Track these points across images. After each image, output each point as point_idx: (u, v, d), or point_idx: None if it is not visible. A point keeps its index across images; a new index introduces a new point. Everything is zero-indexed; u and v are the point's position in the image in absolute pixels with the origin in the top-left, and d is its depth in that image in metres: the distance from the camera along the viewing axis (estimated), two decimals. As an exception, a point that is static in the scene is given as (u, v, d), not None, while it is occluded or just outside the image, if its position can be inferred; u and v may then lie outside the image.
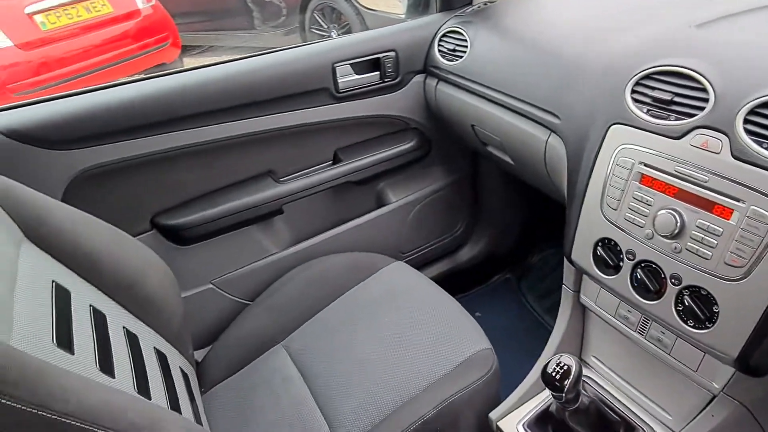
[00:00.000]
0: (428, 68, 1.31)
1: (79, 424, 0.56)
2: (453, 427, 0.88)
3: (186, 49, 5.49)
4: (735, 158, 0.67)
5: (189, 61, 5.28)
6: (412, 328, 1.03)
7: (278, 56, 1.22)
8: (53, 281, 0.78)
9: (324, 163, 1.35)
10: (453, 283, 1.43)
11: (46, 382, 0.56)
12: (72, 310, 0.77)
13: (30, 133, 1.01)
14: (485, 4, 1.27)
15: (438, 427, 0.87)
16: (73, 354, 0.70)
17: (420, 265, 1.48)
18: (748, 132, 0.66)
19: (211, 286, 1.28)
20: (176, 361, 0.96)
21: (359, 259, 1.26)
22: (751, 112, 0.67)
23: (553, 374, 0.75)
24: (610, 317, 0.89)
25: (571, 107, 0.92)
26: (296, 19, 5.05)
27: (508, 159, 1.17)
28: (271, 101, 1.20)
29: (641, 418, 0.88)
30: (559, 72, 0.97)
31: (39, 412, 0.53)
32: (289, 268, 1.29)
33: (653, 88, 0.79)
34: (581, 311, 0.99)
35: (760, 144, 0.65)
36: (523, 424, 0.89)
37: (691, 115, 0.73)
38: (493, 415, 0.92)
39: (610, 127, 0.83)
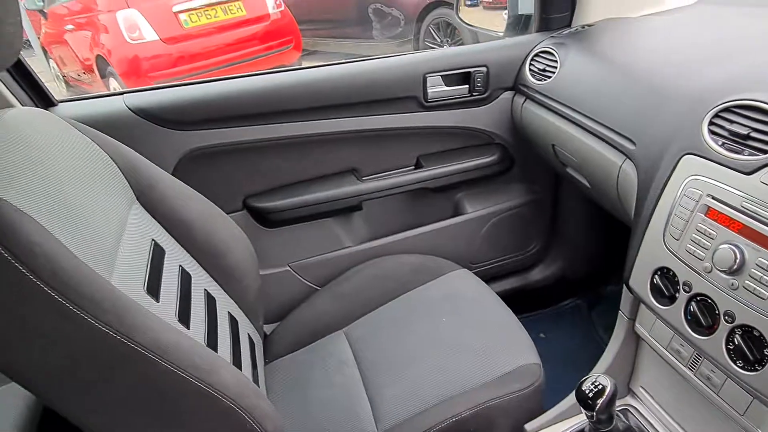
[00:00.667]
0: (518, 86, 1.33)
1: (150, 356, 0.66)
2: (487, 431, 0.90)
3: (306, 53, 5.84)
4: (805, 200, 0.65)
5: (307, 64, 5.59)
6: (465, 333, 1.07)
7: (374, 63, 1.31)
8: (153, 239, 0.91)
9: (406, 168, 1.41)
10: (519, 301, 1.43)
11: (131, 316, 0.67)
12: (164, 266, 0.90)
13: (154, 113, 1.17)
14: (582, 27, 1.28)
15: (472, 429, 0.89)
16: (158, 302, 0.82)
17: (488, 278, 1.49)
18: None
19: (287, 268, 1.39)
20: (246, 329, 1.07)
21: (427, 261, 1.30)
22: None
23: (587, 392, 0.76)
24: (663, 349, 0.87)
25: (647, 134, 0.91)
26: (412, 30, 5.19)
27: (585, 182, 1.17)
28: (362, 104, 1.29)
29: None
30: (640, 98, 0.96)
31: (121, 339, 0.64)
32: (361, 262, 1.37)
33: (731, 122, 0.77)
34: (635, 340, 0.97)
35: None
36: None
37: (765, 152, 0.71)
38: (528, 426, 0.93)
39: (682, 156, 0.82)
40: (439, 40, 4.87)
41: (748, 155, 0.73)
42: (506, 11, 1.46)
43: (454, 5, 1.66)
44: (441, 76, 1.32)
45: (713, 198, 0.75)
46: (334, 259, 1.41)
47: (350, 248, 1.42)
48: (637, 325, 0.93)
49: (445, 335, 1.08)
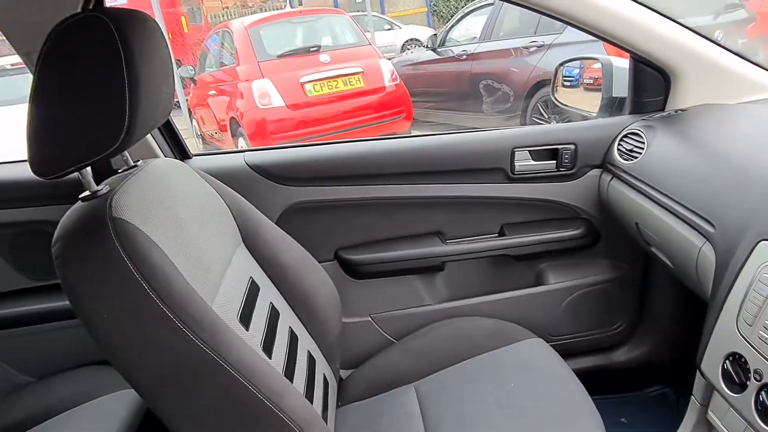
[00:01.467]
0: (606, 164, 1.37)
1: (234, 373, 0.77)
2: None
3: (417, 122, 6.14)
4: None
5: (417, 133, 5.87)
6: (530, 401, 1.08)
7: (467, 136, 1.41)
8: (251, 277, 1.05)
9: (490, 234, 1.47)
10: (600, 381, 1.39)
11: (223, 336, 0.79)
12: (257, 301, 1.03)
13: (267, 170, 1.35)
14: (675, 112, 1.30)
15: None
16: (248, 330, 0.94)
17: (567, 353, 1.47)
18: None
19: (369, 318, 1.48)
20: (322, 369, 1.16)
21: (503, 327, 1.33)
22: None
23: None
24: (735, 441, 0.83)
25: (727, 217, 0.91)
26: (520, 106, 5.31)
27: (668, 262, 1.16)
28: (453, 172, 1.39)
29: None
30: (723, 181, 0.96)
31: (213, 355, 0.76)
32: (439, 320, 1.42)
33: (810, 211, 0.76)
34: (707, 429, 0.92)
35: None
36: None
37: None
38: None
39: (759, 242, 0.81)
40: (546, 116, 4.93)
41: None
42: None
43: (551, 86, 1.74)
44: (529, 151, 1.38)
45: (787, 285, 0.74)
46: (413, 314, 1.47)
47: (430, 306, 1.49)
48: (709, 412, 0.90)
49: (511, 401, 1.09)
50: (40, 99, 0.72)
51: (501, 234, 1.47)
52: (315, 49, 5.45)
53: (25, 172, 1.02)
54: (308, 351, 1.12)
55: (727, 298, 0.84)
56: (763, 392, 0.74)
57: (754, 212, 0.85)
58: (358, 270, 1.45)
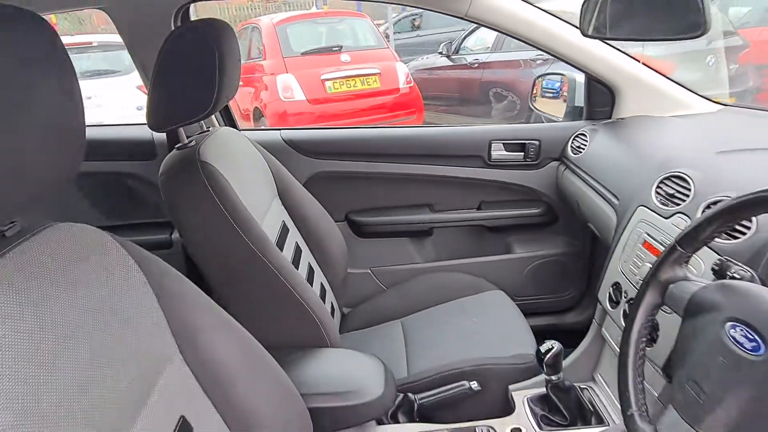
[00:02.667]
0: (562, 157, 1.74)
1: (273, 269, 1.18)
2: (482, 385, 1.27)
3: (427, 124, 6.50)
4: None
5: (426, 134, 6.21)
6: (487, 329, 1.45)
7: (455, 129, 1.79)
8: (283, 221, 1.43)
9: (470, 209, 1.85)
10: (552, 338, 1.75)
11: (264, 243, 1.17)
12: (286, 239, 1.40)
13: (297, 145, 1.74)
14: (617, 120, 1.66)
15: (470, 380, 1.27)
16: (282, 252, 1.32)
17: (526, 311, 1.82)
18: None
19: (369, 271, 1.86)
20: (330, 299, 1.53)
21: (475, 281, 1.70)
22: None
23: (542, 350, 1.12)
24: (615, 346, 1.20)
25: (625, 192, 1.28)
26: (525, 114, 5.67)
27: (597, 232, 1.53)
28: (442, 156, 1.77)
29: (610, 415, 1.15)
30: (630, 168, 1.33)
31: (260, 255, 1.14)
32: (429, 282, 1.79)
33: (668, 186, 1.13)
34: (601, 342, 1.29)
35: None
36: (527, 398, 1.24)
37: (678, 204, 1.06)
38: (511, 387, 1.28)
39: (638, 207, 1.18)
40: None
41: (670, 207, 1.08)
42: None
43: (530, 96, 2.11)
44: (503, 143, 1.76)
45: (648, 234, 1.11)
46: (405, 270, 1.85)
47: (419, 264, 1.86)
48: (602, 329, 1.27)
49: (471, 329, 1.46)
50: (161, 77, 1.10)
51: (479, 209, 1.84)
52: (337, 48, 5.83)
53: (112, 134, 1.49)
54: (321, 283, 1.49)
55: (615, 247, 1.21)
56: (626, 304, 1.11)
57: (641, 187, 1.22)
58: (363, 230, 1.83)
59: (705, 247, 0.89)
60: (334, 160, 1.77)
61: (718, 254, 0.89)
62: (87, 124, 0.62)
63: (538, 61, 5.49)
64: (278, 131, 1.78)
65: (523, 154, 1.77)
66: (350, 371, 1.13)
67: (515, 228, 1.86)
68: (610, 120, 1.68)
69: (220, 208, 1.13)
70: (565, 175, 1.69)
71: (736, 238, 0.90)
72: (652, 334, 0.88)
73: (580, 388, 1.24)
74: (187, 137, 1.26)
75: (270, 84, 5.50)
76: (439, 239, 1.88)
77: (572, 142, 1.69)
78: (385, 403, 1.07)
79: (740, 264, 0.81)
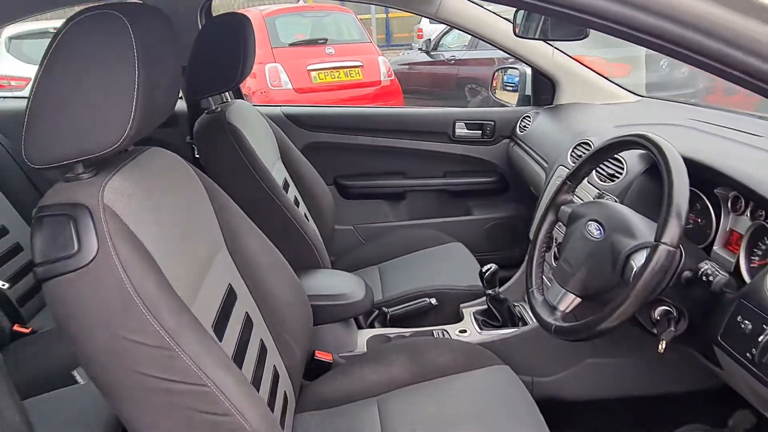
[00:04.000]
0: (512, 135, 2.13)
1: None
2: (440, 302, 1.64)
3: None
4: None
5: (404, 125, 6.55)
6: (445, 267, 1.82)
7: (426, 110, 2.18)
8: (285, 178, 1.78)
9: (437, 177, 2.23)
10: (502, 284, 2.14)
11: (276, 195, 1.53)
12: (288, 191, 1.76)
13: (295, 118, 2.11)
14: (556, 105, 2.06)
15: (430, 297, 1.64)
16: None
17: (482, 263, 2.20)
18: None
19: (352, 227, 2.23)
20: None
21: (439, 235, 2.07)
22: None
23: (484, 270, 1.50)
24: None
25: (552, 156, 1.67)
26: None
27: (535, 192, 1.92)
28: (414, 132, 2.16)
29: (531, 320, 1.54)
30: (560, 140, 1.72)
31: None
32: (401, 236, 2.16)
33: (579, 150, 1.52)
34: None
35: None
36: (472, 311, 1.62)
37: (576, 162, 1.45)
38: (462, 305, 1.66)
39: (558, 167, 1.57)
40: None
41: (578, 164, 1.47)
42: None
43: (490, 87, 2.50)
44: (465, 123, 2.15)
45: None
46: (382, 227, 2.23)
47: (393, 222, 2.24)
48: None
49: (435, 268, 1.82)
50: (196, 59, 1.45)
51: (444, 177, 2.23)
52: (322, 41, 6.16)
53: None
54: (314, 230, 1.79)
55: (542, 196, 1.60)
56: (556, 248, 1.50)
57: (562, 152, 1.61)
58: (348, 192, 2.20)
59: (590, 186, 1.28)
60: (325, 132, 2.13)
61: (598, 189, 1.28)
62: None
63: (510, 60, 5.89)
64: (279, 107, 2.14)
65: (481, 132, 2.16)
66: (340, 282, 1.49)
67: (474, 194, 2.25)
68: (550, 105, 2.08)
69: (243, 159, 1.49)
70: (514, 150, 2.09)
71: (613, 180, 1.30)
72: (549, 243, 1.26)
73: (513, 304, 1.63)
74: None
75: (258, 72, 5.80)
76: (410, 202, 2.26)
77: (520, 123, 2.09)
78: (365, 304, 1.44)
79: (610, 194, 1.21)
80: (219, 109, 1.57)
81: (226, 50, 1.46)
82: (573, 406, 1.50)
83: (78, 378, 0.78)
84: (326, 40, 6.22)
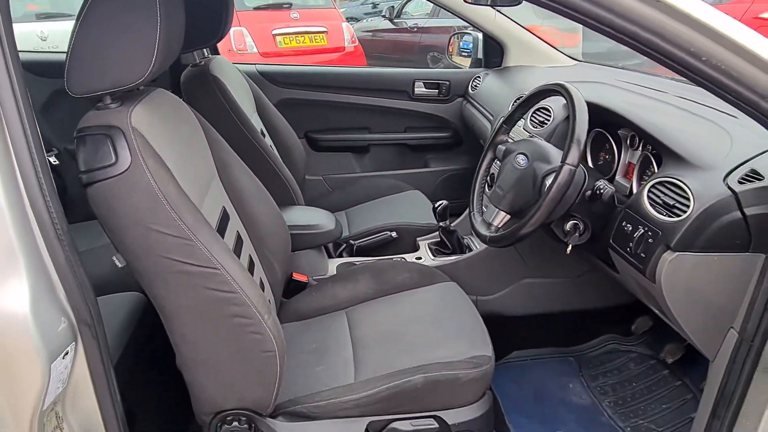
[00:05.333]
0: (465, 95, 2.38)
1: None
2: (399, 235, 1.90)
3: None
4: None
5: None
6: (404, 210, 2.07)
7: (389, 70, 2.40)
8: (261, 129, 1.98)
9: (398, 132, 2.47)
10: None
11: (255, 140, 1.74)
12: (264, 140, 1.96)
13: (268, 76, 2.29)
14: (504, 67, 2.31)
15: (391, 234, 1.89)
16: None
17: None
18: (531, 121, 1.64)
19: (321, 178, 2.45)
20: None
21: (399, 185, 2.29)
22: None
23: (435, 205, 1.76)
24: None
25: (498, 111, 1.93)
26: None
27: (483, 144, 2.18)
28: (378, 90, 2.38)
29: (477, 247, 1.82)
30: (505, 96, 1.97)
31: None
32: (366, 185, 2.38)
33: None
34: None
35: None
36: (427, 243, 1.89)
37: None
38: (418, 238, 1.92)
39: (501, 119, 1.82)
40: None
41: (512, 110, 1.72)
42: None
43: (446, 50, 2.73)
44: (423, 82, 2.38)
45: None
46: (348, 177, 2.46)
47: (359, 173, 2.48)
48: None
49: (395, 211, 2.07)
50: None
51: (404, 132, 2.47)
52: (287, 5, 6.23)
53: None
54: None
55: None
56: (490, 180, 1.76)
57: (505, 106, 1.86)
58: (318, 144, 2.42)
59: (525, 132, 1.54)
60: (297, 89, 2.33)
61: (530, 134, 1.55)
62: None
63: (470, 29, 6.11)
64: (254, 65, 2.32)
65: (437, 91, 2.40)
66: (313, 215, 1.73)
67: (431, 147, 2.50)
68: (499, 68, 2.32)
69: (226, 108, 1.68)
70: (467, 107, 2.34)
71: (543, 126, 1.56)
72: (488, 177, 1.52)
73: (462, 236, 1.90)
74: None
75: (223, 36, 5.85)
76: (374, 154, 2.50)
77: (472, 83, 2.33)
78: (335, 233, 1.68)
79: (540, 136, 1.47)
80: (202, 63, 1.75)
81: (208, 6, 1.62)
82: (510, 320, 1.79)
83: (116, 262, 0.98)
84: (291, 4, 6.28)
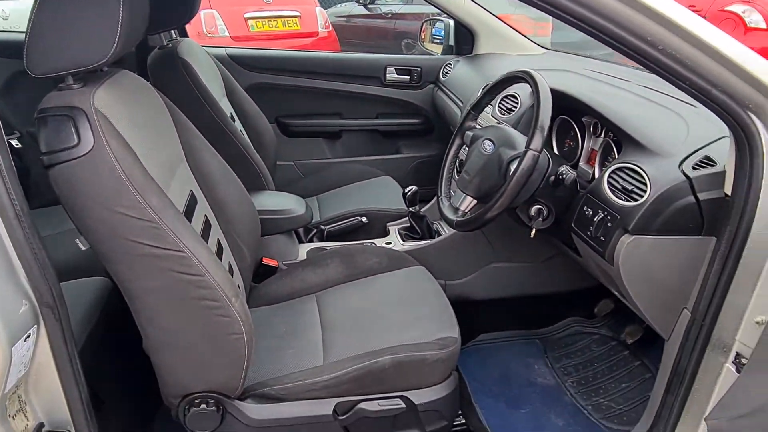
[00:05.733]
0: (436, 81, 2.39)
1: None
2: (370, 220, 1.91)
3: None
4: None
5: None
6: (375, 196, 2.08)
7: (361, 55, 2.40)
8: (230, 113, 1.96)
9: (370, 118, 2.47)
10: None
11: (223, 123, 1.72)
12: (234, 124, 1.94)
13: (238, 59, 2.26)
14: (474, 55, 2.32)
15: (362, 219, 1.90)
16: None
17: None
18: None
19: (292, 163, 2.44)
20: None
21: (371, 171, 2.31)
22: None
23: (405, 190, 1.78)
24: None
25: (467, 95, 1.94)
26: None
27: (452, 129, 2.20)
28: (350, 75, 2.37)
29: (446, 232, 1.85)
30: (471, 80, 1.99)
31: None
32: (337, 171, 2.38)
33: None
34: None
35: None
36: (397, 228, 1.90)
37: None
38: (389, 223, 1.94)
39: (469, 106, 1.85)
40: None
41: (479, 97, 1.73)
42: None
43: (418, 37, 2.73)
44: (395, 68, 2.38)
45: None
46: (320, 163, 2.45)
47: (330, 159, 2.47)
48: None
49: (367, 197, 2.08)
50: None
51: (376, 118, 2.47)
52: (259, -12, 6.12)
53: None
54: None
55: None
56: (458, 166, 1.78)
57: (475, 92, 1.88)
58: (289, 130, 2.41)
59: (493, 119, 1.56)
60: (268, 74, 2.31)
61: (498, 121, 1.57)
62: None
63: (443, 16, 6.12)
64: (224, 48, 2.29)
65: (409, 77, 2.40)
66: (283, 200, 1.73)
67: (403, 134, 2.51)
68: (470, 55, 2.34)
69: (194, 91, 1.66)
70: (438, 94, 2.35)
71: (510, 113, 1.58)
72: (456, 162, 1.54)
73: (431, 221, 1.92)
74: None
75: (194, 18, 5.73)
76: (346, 140, 2.50)
77: (442, 69, 2.34)
78: (305, 218, 1.68)
79: (507, 123, 1.49)
80: (170, 45, 1.72)
81: None
82: (477, 304, 1.82)
83: (80, 245, 0.97)
84: (264, -13, 6.19)
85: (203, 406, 1.10)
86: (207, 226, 1.26)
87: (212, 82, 1.84)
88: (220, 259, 1.22)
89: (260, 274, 1.59)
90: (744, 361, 0.98)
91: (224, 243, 1.32)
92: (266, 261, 1.61)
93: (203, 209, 1.27)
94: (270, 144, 2.13)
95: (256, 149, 2.05)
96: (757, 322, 0.95)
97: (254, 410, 1.14)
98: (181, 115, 1.29)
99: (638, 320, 1.60)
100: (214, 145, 1.39)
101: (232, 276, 1.26)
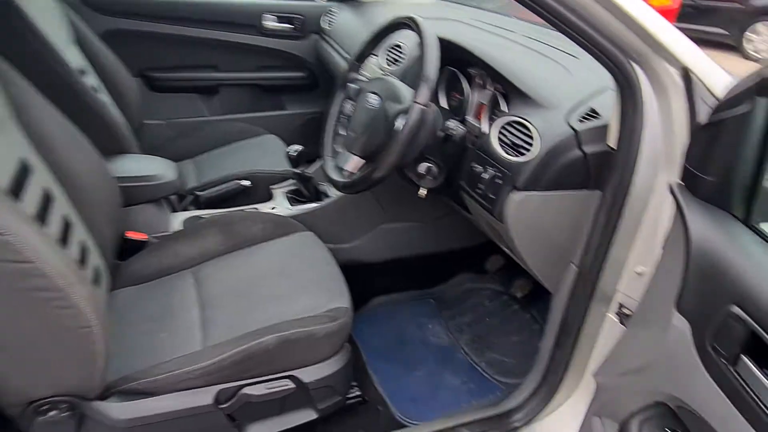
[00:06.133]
0: (319, 31, 2.23)
1: None
2: (253, 183, 1.75)
3: None
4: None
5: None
6: (258, 157, 1.92)
7: (234, 1, 2.15)
8: (82, 68, 1.68)
9: (249, 71, 2.26)
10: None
11: (71, 78, 1.46)
12: (85, 78, 1.67)
13: (90, 1, 1.94)
14: (360, 3, 2.19)
15: (243, 183, 1.75)
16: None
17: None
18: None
19: (163, 122, 2.18)
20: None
21: (254, 129, 2.13)
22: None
23: (289, 150, 1.64)
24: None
25: (353, 50, 1.81)
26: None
27: (341, 86, 2.07)
28: (227, 23, 2.13)
29: (333, 195, 1.76)
30: (361, 30, 1.86)
31: None
32: (215, 130, 2.17)
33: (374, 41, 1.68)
34: (335, 152, 1.88)
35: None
36: (282, 191, 1.77)
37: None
38: (272, 186, 1.80)
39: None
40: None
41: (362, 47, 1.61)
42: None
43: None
44: (276, 16, 2.18)
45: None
46: (195, 122, 2.22)
47: (207, 117, 2.25)
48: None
49: (248, 158, 1.91)
50: None
51: (257, 71, 2.27)
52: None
53: None
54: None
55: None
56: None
57: (362, 38, 1.76)
58: (157, 85, 2.14)
59: (379, 71, 1.46)
60: (127, 18, 2.01)
61: (384, 72, 1.47)
62: None
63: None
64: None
65: (291, 26, 2.22)
66: (148, 165, 1.53)
67: (287, 89, 2.33)
68: (355, 1, 2.20)
69: (25, 36, 1.38)
70: (322, 45, 2.20)
71: (397, 64, 1.49)
72: (340, 117, 1.43)
73: (319, 183, 1.81)
74: None
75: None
76: (224, 96, 2.28)
77: (325, 18, 2.19)
78: (175, 185, 1.50)
79: (393, 75, 1.40)
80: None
81: None
82: (369, 267, 1.76)
83: None
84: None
85: (53, 412, 0.93)
86: (47, 200, 1.05)
87: (54, 26, 1.56)
88: (68, 238, 1.05)
89: (126, 250, 1.40)
90: (626, 311, 0.99)
91: (74, 218, 1.12)
92: (130, 234, 1.42)
93: (40, 180, 1.05)
94: (133, 101, 1.88)
95: (118, 107, 1.80)
96: (638, 273, 0.96)
97: (118, 410, 1.00)
98: (6, 70, 1.07)
99: (528, 274, 1.62)
100: (57, 104, 1.18)
101: (88, 256, 1.10)
